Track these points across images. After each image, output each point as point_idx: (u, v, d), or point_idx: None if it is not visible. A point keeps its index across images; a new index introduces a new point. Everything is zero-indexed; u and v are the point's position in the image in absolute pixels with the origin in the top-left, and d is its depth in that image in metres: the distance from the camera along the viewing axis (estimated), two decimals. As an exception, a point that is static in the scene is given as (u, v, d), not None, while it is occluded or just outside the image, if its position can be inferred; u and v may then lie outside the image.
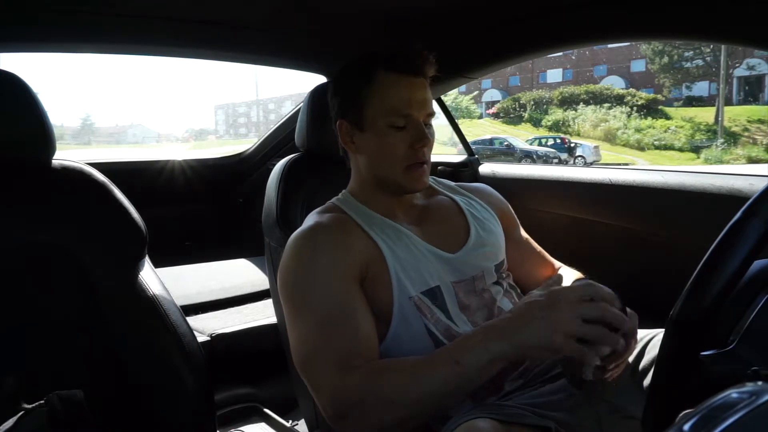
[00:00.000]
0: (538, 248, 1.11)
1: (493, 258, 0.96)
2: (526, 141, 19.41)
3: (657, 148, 19.31)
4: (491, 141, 18.18)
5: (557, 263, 1.10)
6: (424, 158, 0.89)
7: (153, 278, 0.91)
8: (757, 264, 0.55)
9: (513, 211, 1.12)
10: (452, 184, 1.10)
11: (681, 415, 0.33)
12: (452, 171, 1.80)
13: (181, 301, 0.96)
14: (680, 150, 18.75)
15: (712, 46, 19.36)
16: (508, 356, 0.65)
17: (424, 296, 0.86)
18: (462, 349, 0.68)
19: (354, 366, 0.73)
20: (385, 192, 0.94)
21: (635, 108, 21.23)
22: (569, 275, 1.05)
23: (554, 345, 0.61)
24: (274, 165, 1.24)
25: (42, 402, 0.68)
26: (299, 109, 1.28)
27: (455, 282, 0.90)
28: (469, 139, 1.94)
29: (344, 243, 0.85)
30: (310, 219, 0.93)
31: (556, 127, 22.36)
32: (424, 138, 0.87)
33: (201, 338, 1.47)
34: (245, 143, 3.00)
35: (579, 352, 0.61)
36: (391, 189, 0.93)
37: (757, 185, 1.09)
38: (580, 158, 16.86)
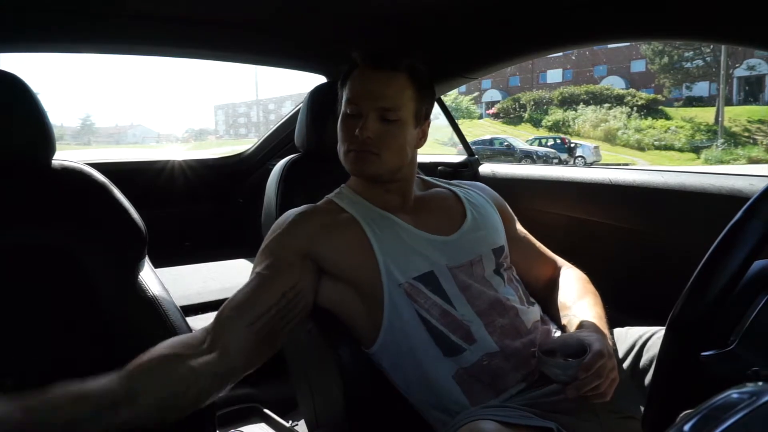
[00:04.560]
0: (538, 244, 1.11)
1: (490, 242, 0.97)
2: (526, 141, 19.41)
3: (657, 148, 19.31)
4: (491, 141, 18.17)
5: (559, 260, 1.10)
6: (364, 146, 0.92)
7: (153, 278, 0.91)
8: (757, 264, 0.55)
9: (509, 208, 1.12)
10: (449, 181, 1.12)
11: (681, 415, 0.33)
12: (452, 171, 1.80)
13: (181, 302, 0.96)
14: (680, 150, 18.75)
15: (712, 46, 19.36)
16: None
17: (416, 282, 0.87)
18: None
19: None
20: (368, 182, 0.98)
21: (635, 108, 21.23)
22: (568, 279, 1.05)
23: None
24: (274, 165, 1.24)
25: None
26: (299, 109, 1.28)
27: (451, 266, 0.90)
28: (469, 139, 1.94)
29: (320, 224, 0.91)
30: None
31: (556, 127, 22.36)
32: (362, 127, 0.90)
33: (201, 338, 1.46)
34: (245, 143, 3.00)
35: None
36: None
37: (757, 185, 1.09)
38: (580, 158, 16.86)
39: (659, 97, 22.92)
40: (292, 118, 2.00)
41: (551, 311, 1.02)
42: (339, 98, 0.98)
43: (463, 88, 21.40)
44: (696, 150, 18.24)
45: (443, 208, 1.01)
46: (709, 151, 17.59)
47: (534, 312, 0.95)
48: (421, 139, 1.00)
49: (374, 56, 0.92)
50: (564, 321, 0.95)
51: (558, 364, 0.78)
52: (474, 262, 0.93)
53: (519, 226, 1.11)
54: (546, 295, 1.05)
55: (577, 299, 0.97)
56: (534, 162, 15.77)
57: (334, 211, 0.95)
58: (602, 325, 0.88)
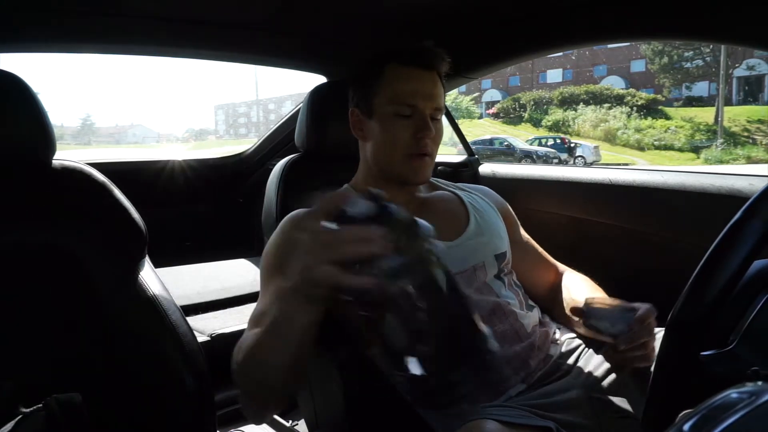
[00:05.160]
0: (540, 250, 1.11)
1: (492, 248, 0.97)
2: (526, 141, 19.42)
3: (657, 148, 19.32)
4: (491, 141, 18.19)
5: (561, 266, 1.10)
6: (425, 149, 0.90)
7: (153, 278, 0.91)
8: (757, 264, 0.55)
9: (513, 213, 1.12)
10: (454, 183, 1.11)
11: (681, 415, 0.33)
12: (452, 171, 1.80)
13: (181, 301, 0.96)
14: (680, 150, 18.76)
15: (712, 46, 19.37)
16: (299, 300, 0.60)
17: None
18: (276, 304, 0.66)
19: None
20: (387, 183, 0.95)
21: (635, 108, 21.25)
22: (574, 279, 1.05)
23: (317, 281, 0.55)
24: (274, 165, 1.24)
25: (40, 406, 0.67)
26: (299, 109, 1.28)
27: (455, 272, 0.90)
28: (469, 139, 1.94)
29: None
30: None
31: (556, 127, 22.38)
32: (426, 128, 0.88)
33: (201, 338, 1.47)
34: (245, 143, 2.99)
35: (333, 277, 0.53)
36: (393, 179, 0.95)
37: (757, 185, 1.09)
38: (580, 158, 16.87)
39: (659, 97, 22.94)
40: (292, 118, 2.00)
41: (555, 313, 1.02)
42: (365, 93, 0.94)
43: (463, 88, 21.41)
44: (696, 150, 18.26)
45: (447, 211, 1.00)
46: (709, 151, 17.61)
47: (533, 316, 0.94)
48: None
49: (425, 56, 0.91)
50: None
51: (609, 316, 0.75)
52: (477, 267, 0.92)
53: (522, 231, 1.11)
54: (548, 299, 1.05)
55: (591, 294, 0.97)
56: (534, 162, 15.78)
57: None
58: None
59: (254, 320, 0.78)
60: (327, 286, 0.54)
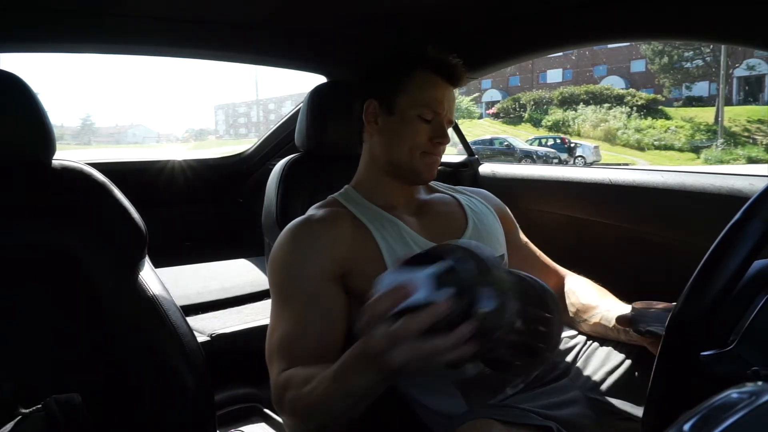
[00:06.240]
0: (539, 253, 1.10)
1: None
2: (526, 141, 19.42)
3: (657, 148, 19.32)
4: (491, 141, 18.20)
5: (562, 270, 1.10)
6: (438, 153, 0.96)
7: (153, 278, 0.91)
8: (757, 264, 0.55)
9: (512, 216, 1.12)
10: (452, 186, 1.12)
11: (681, 415, 0.33)
12: (452, 171, 1.80)
13: (181, 301, 0.96)
14: (680, 150, 18.77)
15: (712, 46, 19.38)
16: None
17: None
18: (348, 375, 0.67)
19: (296, 365, 0.76)
20: (392, 180, 0.97)
21: (635, 108, 21.25)
22: (579, 282, 1.04)
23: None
24: (274, 165, 1.24)
25: (40, 406, 0.67)
26: (299, 109, 1.28)
27: None
28: (469, 139, 1.94)
29: (331, 238, 0.87)
30: (307, 213, 0.95)
31: (556, 127, 22.38)
32: (443, 135, 0.94)
33: (201, 338, 1.46)
34: (245, 143, 2.99)
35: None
36: (400, 174, 0.96)
37: (757, 185, 1.09)
38: (580, 158, 16.87)
39: (659, 97, 22.94)
40: (292, 118, 2.00)
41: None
42: (389, 89, 0.94)
43: (463, 88, 21.34)
44: (696, 150, 18.26)
45: (445, 214, 1.01)
46: (709, 151, 17.61)
47: None
48: None
49: (454, 71, 0.94)
50: (595, 319, 0.94)
51: (663, 318, 0.74)
52: None
53: (521, 235, 1.11)
54: None
55: (601, 298, 0.97)
56: (534, 162, 15.78)
57: (342, 215, 0.92)
58: None
59: (284, 348, 0.79)
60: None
